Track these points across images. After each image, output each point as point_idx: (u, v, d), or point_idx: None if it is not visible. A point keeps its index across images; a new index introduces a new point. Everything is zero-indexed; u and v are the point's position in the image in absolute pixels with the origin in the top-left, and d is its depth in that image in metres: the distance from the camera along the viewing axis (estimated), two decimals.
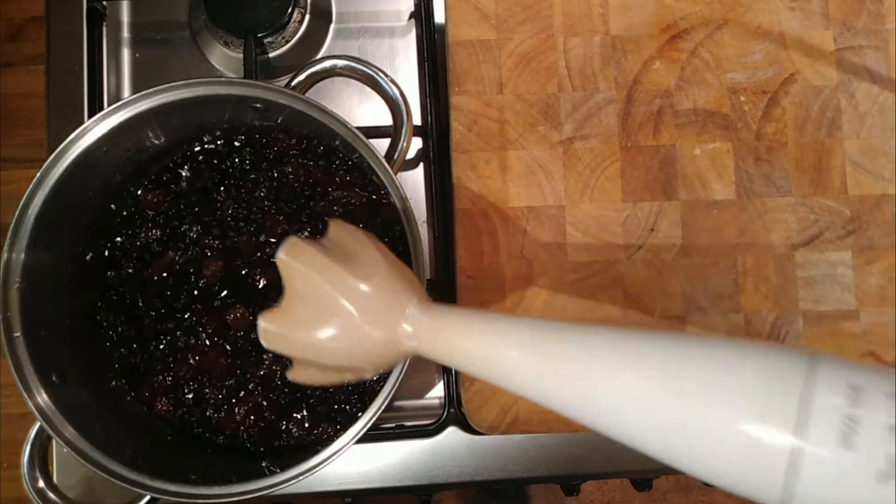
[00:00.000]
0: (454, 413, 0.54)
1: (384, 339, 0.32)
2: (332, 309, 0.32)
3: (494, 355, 0.30)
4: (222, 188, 0.50)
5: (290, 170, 0.50)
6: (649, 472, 0.56)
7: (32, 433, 0.43)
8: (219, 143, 0.51)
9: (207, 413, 0.48)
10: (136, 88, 0.59)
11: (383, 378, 0.45)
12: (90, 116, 0.55)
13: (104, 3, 0.58)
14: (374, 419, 0.42)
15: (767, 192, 0.55)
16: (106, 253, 0.49)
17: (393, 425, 0.55)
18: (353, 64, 0.47)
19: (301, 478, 0.42)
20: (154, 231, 0.49)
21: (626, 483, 0.63)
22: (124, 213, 0.50)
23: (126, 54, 0.60)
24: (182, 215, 0.50)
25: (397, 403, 0.57)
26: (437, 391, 0.57)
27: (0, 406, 0.57)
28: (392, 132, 0.47)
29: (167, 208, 0.50)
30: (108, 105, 0.57)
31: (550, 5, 0.56)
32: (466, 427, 0.54)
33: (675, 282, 0.54)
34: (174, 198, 0.50)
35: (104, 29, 0.59)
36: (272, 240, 0.49)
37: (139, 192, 0.50)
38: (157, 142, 0.48)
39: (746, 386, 0.24)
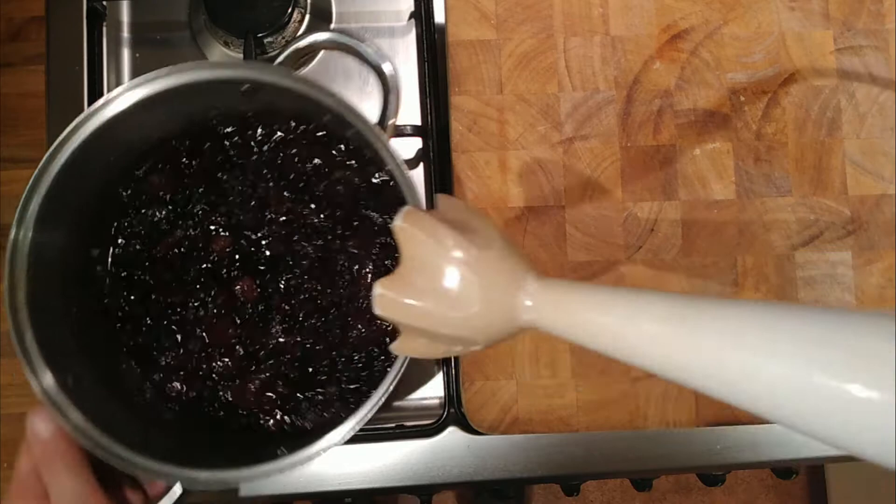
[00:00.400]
0: (454, 413, 0.54)
1: (504, 310, 0.31)
2: (452, 276, 0.31)
3: (625, 328, 0.29)
4: (226, 169, 0.51)
5: (293, 151, 0.50)
6: (649, 472, 0.56)
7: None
8: (220, 127, 0.51)
9: (219, 391, 0.48)
10: None
11: (390, 359, 0.46)
12: None
13: (104, 3, 0.58)
14: (381, 401, 0.42)
15: (767, 192, 0.55)
16: (113, 232, 0.50)
17: (393, 425, 0.55)
18: (337, 37, 0.46)
19: (310, 460, 0.42)
20: (161, 211, 0.50)
21: (626, 483, 0.63)
22: (130, 195, 0.50)
23: (126, 54, 0.60)
24: (188, 195, 0.50)
25: (397, 403, 0.57)
26: (437, 391, 0.57)
27: (0, 406, 0.57)
28: (381, 103, 0.47)
29: (173, 190, 0.50)
30: None
31: (550, 5, 0.56)
32: (466, 427, 0.54)
33: (675, 282, 0.54)
34: (179, 179, 0.50)
35: (104, 29, 0.59)
36: (278, 217, 0.50)
37: (144, 175, 0.50)
38: (157, 130, 0.49)
39: (886, 354, 0.24)
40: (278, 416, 0.49)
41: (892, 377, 0.23)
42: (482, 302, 0.31)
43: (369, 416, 0.42)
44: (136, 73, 0.60)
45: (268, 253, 0.49)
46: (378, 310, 0.34)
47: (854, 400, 0.24)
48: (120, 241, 0.50)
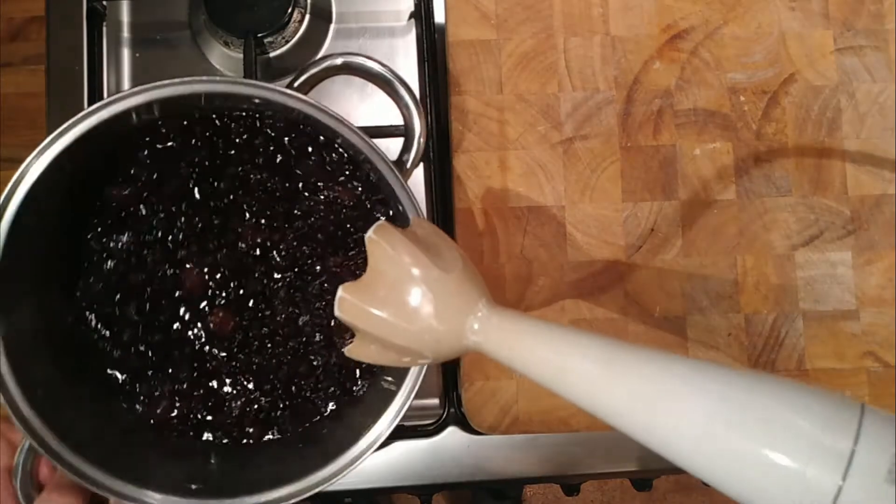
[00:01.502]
0: (454, 413, 0.54)
1: (453, 329, 0.34)
2: (411, 291, 0.34)
3: (564, 364, 0.31)
4: (197, 191, 0.48)
5: (290, 161, 0.48)
6: (649, 472, 0.56)
7: (22, 456, 0.41)
8: (204, 134, 0.49)
9: (200, 416, 0.47)
10: None
11: (397, 381, 0.45)
12: None
13: (104, 3, 0.58)
14: (393, 426, 0.41)
15: (767, 192, 0.55)
16: (85, 267, 0.47)
17: None
18: (368, 64, 0.45)
19: (315, 489, 0.41)
20: (129, 245, 0.47)
21: (626, 483, 0.63)
22: (99, 227, 0.48)
23: (126, 54, 0.60)
24: (160, 227, 0.48)
25: None
26: (437, 391, 0.57)
27: (0, 406, 0.57)
28: (403, 135, 0.46)
29: (138, 213, 0.48)
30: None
31: (550, 5, 0.56)
32: (466, 427, 0.54)
33: (675, 282, 0.54)
34: (152, 208, 0.48)
35: (104, 29, 0.59)
36: (252, 251, 0.48)
37: (113, 200, 0.47)
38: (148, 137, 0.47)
39: (804, 429, 0.26)
40: (264, 438, 0.47)
41: (801, 448, 0.25)
42: (434, 319, 0.34)
43: (378, 442, 0.41)
44: (135, 72, 0.60)
45: (243, 289, 0.47)
46: (338, 312, 0.37)
47: (769, 464, 0.26)
48: (90, 279, 0.47)
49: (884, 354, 0.54)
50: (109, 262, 0.47)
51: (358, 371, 0.48)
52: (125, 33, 0.60)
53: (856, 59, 0.56)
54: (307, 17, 0.59)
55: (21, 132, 0.60)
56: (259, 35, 0.56)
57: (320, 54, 0.60)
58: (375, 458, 0.54)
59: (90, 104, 0.55)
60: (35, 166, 0.41)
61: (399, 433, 0.54)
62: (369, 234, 0.36)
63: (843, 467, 0.25)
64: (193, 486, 0.42)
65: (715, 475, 0.27)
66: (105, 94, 0.58)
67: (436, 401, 0.56)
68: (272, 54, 0.59)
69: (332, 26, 0.61)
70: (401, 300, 0.34)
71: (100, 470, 0.40)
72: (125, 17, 0.60)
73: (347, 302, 0.36)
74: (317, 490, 0.41)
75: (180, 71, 0.59)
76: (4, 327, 0.40)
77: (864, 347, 0.54)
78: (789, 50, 0.56)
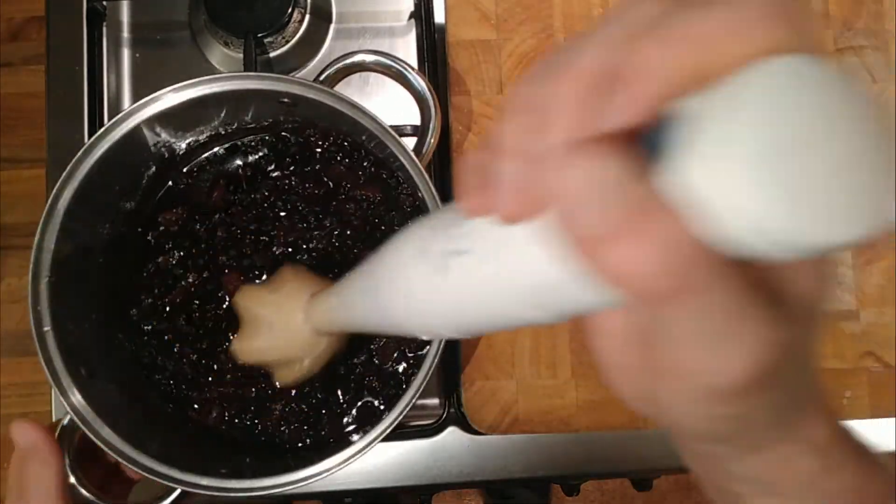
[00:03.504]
0: (454, 413, 0.54)
1: (293, 327, 0.43)
2: (260, 318, 0.44)
3: (326, 313, 0.41)
4: (236, 200, 0.51)
5: (318, 167, 0.50)
6: (649, 472, 0.56)
7: (59, 429, 0.44)
8: (237, 144, 0.51)
9: (247, 418, 0.49)
10: (136, 89, 0.59)
11: (407, 375, 0.48)
12: (90, 116, 0.55)
13: (104, 3, 0.58)
14: (401, 416, 0.44)
15: None
16: (131, 277, 0.50)
17: None
18: (382, 59, 0.48)
19: (330, 473, 0.43)
20: (174, 253, 0.50)
21: (626, 483, 0.63)
22: (143, 233, 0.50)
23: (126, 54, 0.60)
24: (198, 235, 0.50)
25: None
26: (437, 391, 0.57)
27: (0, 406, 0.57)
28: (419, 128, 0.48)
29: (182, 228, 0.50)
30: (108, 105, 0.58)
31: (550, 5, 0.56)
32: (466, 427, 0.54)
33: None
34: (190, 215, 0.51)
35: (104, 29, 0.59)
36: (287, 250, 0.50)
37: (159, 216, 0.50)
38: (181, 143, 0.49)
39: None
40: (301, 435, 0.49)
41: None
42: (276, 325, 0.43)
43: (387, 432, 0.43)
44: (136, 73, 0.60)
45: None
46: (239, 360, 0.46)
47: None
48: (136, 297, 0.50)
49: (884, 354, 0.54)
50: (157, 279, 0.50)
51: (393, 373, 0.50)
52: (125, 33, 0.60)
53: (856, 59, 0.56)
54: (307, 17, 0.59)
55: (21, 132, 0.60)
56: (259, 35, 0.56)
57: (320, 54, 0.60)
58: (375, 458, 0.54)
59: (90, 104, 0.56)
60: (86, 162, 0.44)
61: (399, 433, 0.54)
62: (234, 299, 0.46)
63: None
64: (222, 470, 0.44)
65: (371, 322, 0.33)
66: (105, 94, 0.58)
67: (436, 401, 0.56)
68: (272, 54, 0.59)
69: (332, 26, 0.60)
70: (260, 328, 0.44)
71: (134, 448, 0.43)
72: (125, 17, 0.60)
73: (238, 350, 0.45)
74: (315, 479, 0.43)
75: (180, 71, 0.59)
76: (57, 314, 0.43)
77: (864, 347, 0.54)
78: None
